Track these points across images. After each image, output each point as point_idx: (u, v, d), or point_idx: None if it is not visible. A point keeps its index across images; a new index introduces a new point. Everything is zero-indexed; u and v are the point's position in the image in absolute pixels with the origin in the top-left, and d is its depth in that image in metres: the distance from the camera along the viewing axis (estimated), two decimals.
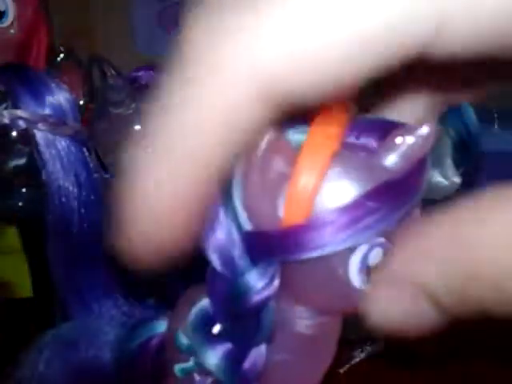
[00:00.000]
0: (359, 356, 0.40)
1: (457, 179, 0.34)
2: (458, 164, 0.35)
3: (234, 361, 0.19)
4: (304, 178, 0.16)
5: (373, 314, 0.18)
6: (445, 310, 0.16)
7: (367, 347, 0.41)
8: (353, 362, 0.40)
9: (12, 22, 0.42)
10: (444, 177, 0.34)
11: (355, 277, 0.18)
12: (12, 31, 0.42)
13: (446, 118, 0.33)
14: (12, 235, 0.45)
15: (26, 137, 0.33)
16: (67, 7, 0.66)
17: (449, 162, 0.35)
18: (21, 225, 0.40)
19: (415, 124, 0.17)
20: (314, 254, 0.16)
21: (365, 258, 0.18)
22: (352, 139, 0.18)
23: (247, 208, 0.17)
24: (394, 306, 0.17)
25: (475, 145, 0.36)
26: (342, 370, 0.39)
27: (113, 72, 0.37)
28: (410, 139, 0.17)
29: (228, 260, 0.17)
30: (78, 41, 0.67)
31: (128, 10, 0.66)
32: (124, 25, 0.67)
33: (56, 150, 0.33)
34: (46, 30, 0.46)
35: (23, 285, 0.45)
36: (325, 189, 0.16)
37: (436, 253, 0.16)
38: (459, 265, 0.16)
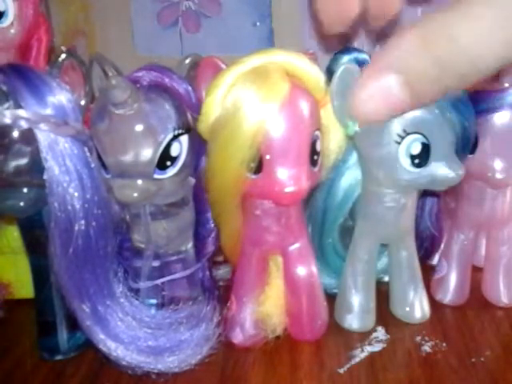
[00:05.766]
0: (359, 356, 0.40)
1: (461, 171, 0.36)
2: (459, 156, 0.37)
3: None
4: None
5: (360, 97, 0.30)
6: (416, 93, 0.28)
7: (367, 347, 0.41)
8: (353, 362, 0.40)
9: (12, 22, 0.42)
10: (449, 168, 0.36)
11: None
12: (12, 31, 0.42)
13: (451, 113, 0.34)
14: (12, 235, 0.45)
15: (28, 137, 0.33)
16: (67, 7, 0.66)
17: (453, 155, 0.36)
18: (21, 225, 0.39)
19: None
20: None
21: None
22: None
23: None
24: (379, 93, 0.29)
25: (471, 139, 0.37)
26: (341, 370, 0.39)
27: (114, 72, 0.37)
28: None
29: None
30: (78, 41, 0.67)
31: (128, 10, 0.66)
32: (124, 25, 0.67)
33: (58, 150, 0.33)
34: (46, 29, 0.46)
35: (23, 285, 0.45)
36: None
37: (414, 51, 0.27)
38: (438, 56, 0.26)
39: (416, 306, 0.44)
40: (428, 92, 0.29)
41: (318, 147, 0.36)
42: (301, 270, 0.40)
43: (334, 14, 0.41)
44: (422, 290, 0.44)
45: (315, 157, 0.36)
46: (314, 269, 0.41)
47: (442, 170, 0.36)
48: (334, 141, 0.39)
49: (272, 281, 0.41)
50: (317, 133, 0.36)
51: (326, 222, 0.44)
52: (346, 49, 0.41)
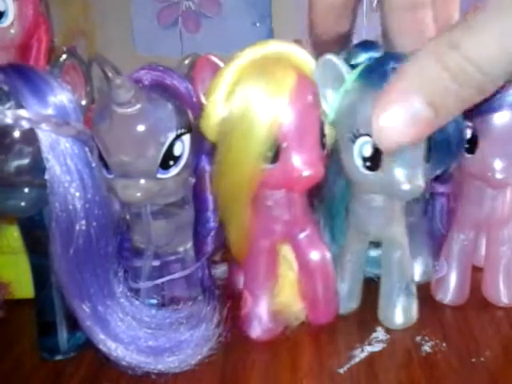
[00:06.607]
0: (359, 356, 0.40)
1: (421, 183, 0.34)
2: (438, 162, 0.37)
3: None
4: None
5: (383, 123, 0.27)
6: (439, 110, 0.27)
7: (367, 347, 0.41)
8: (353, 362, 0.40)
9: (12, 22, 0.42)
10: (405, 179, 0.34)
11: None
12: (12, 31, 0.42)
13: None
14: (12, 235, 0.45)
15: (29, 137, 0.33)
16: (67, 7, 0.66)
17: (416, 165, 0.35)
18: (22, 225, 0.39)
19: None
20: None
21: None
22: None
23: None
24: (404, 116, 0.27)
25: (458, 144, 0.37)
26: (341, 370, 0.39)
27: (113, 73, 0.37)
28: None
29: None
30: (78, 41, 0.67)
31: (128, 10, 0.66)
32: (124, 25, 0.67)
33: (59, 150, 0.33)
34: (46, 29, 0.46)
35: (23, 285, 0.45)
36: None
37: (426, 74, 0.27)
38: (452, 69, 0.26)
39: (398, 310, 0.43)
40: (452, 107, 0.28)
41: (326, 130, 0.38)
42: (314, 255, 0.41)
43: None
44: (411, 294, 0.43)
45: (324, 139, 0.37)
46: (327, 253, 0.42)
47: (396, 179, 0.34)
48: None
49: (282, 271, 0.42)
50: (323, 116, 0.37)
51: (338, 191, 0.44)
52: (364, 45, 0.41)
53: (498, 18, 0.25)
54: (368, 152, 0.35)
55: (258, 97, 0.33)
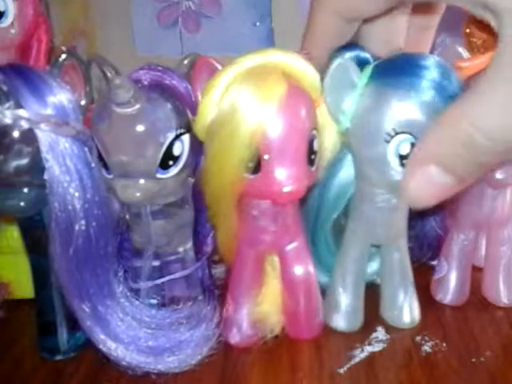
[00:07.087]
0: (359, 356, 0.40)
1: None
2: None
3: None
4: None
5: (409, 190, 0.32)
6: (458, 176, 0.30)
7: (367, 347, 0.41)
8: (353, 362, 0.40)
9: (12, 22, 0.42)
10: None
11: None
12: (12, 31, 0.42)
13: None
14: (12, 235, 0.45)
15: (28, 137, 0.33)
16: (67, 7, 0.66)
17: None
18: (22, 225, 0.40)
19: None
20: None
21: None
22: None
23: None
24: (425, 184, 0.31)
25: None
26: (341, 370, 0.39)
27: (112, 73, 0.37)
28: None
29: None
30: (78, 41, 0.67)
31: (128, 10, 0.66)
32: (124, 25, 0.67)
33: (58, 150, 0.33)
34: (46, 29, 0.46)
35: (23, 285, 0.45)
36: None
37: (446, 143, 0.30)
38: (463, 139, 0.28)
39: (405, 310, 0.43)
40: (468, 172, 0.30)
41: (315, 146, 0.36)
42: (298, 270, 0.40)
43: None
44: (413, 293, 0.43)
45: (312, 156, 0.36)
46: (311, 268, 0.41)
47: None
48: (328, 139, 0.39)
49: (268, 281, 0.41)
50: (314, 132, 0.36)
51: (319, 218, 0.44)
52: (350, 45, 0.41)
53: (499, 87, 0.27)
54: (406, 150, 0.35)
55: (246, 100, 0.33)
